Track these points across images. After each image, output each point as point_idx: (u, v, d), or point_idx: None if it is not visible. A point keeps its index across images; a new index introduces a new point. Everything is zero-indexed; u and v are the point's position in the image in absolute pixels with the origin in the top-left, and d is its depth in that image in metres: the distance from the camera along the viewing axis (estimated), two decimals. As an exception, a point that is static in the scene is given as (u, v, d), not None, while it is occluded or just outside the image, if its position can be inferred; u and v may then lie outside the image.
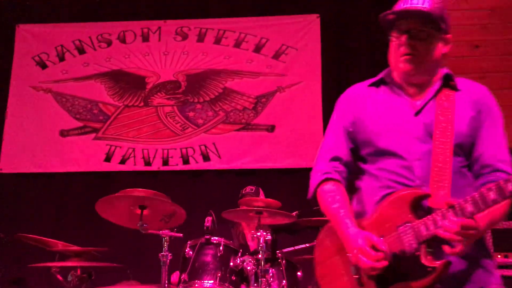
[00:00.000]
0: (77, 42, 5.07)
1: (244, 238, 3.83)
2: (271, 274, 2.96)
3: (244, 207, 3.23)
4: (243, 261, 2.98)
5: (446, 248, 1.52)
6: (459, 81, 1.77)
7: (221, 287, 2.90)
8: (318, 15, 4.92)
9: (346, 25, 4.92)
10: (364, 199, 1.78)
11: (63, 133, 4.87)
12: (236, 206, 3.38)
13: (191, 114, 4.87)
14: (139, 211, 2.95)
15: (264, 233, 2.96)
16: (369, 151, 1.78)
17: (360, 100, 1.84)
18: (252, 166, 4.71)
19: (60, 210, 4.67)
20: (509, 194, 1.45)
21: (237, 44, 4.98)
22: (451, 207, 1.51)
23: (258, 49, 4.96)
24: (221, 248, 3.02)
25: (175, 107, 4.89)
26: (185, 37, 5.03)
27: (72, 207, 4.65)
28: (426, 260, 1.54)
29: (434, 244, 1.55)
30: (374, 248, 1.59)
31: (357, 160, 1.84)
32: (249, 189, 3.82)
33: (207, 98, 4.89)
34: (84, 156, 4.80)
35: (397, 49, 1.73)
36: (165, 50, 5.00)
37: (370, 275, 1.62)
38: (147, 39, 5.04)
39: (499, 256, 3.26)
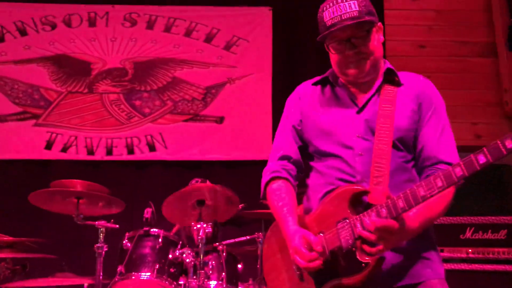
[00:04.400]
0: (18, 23, 4.83)
1: (190, 231, 3.77)
2: (210, 266, 2.93)
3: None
4: (182, 253, 2.93)
5: (365, 247, 1.52)
6: (402, 75, 1.78)
7: (159, 279, 2.85)
8: (270, 8, 4.91)
9: (297, 19, 4.93)
10: (310, 196, 1.80)
11: (1, 118, 4.63)
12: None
13: (137, 102, 4.74)
14: (75, 201, 2.88)
15: (204, 225, 2.92)
16: (314, 150, 1.80)
17: (307, 98, 1.85)
18: (199, 157, 4.65)
19: (-7, 198, 4.46)
20: (437, 190, 1.42)
21: (188, 33, 4.89)
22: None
23: (209, 39, 4.89)
24: (160, 240, 2.96)
25: (121, 95, 4.75)
26: (134, 23, 4.89)
27: (8, 195, 4.43)
28: (360, 256, 1.55)
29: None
30: (310, 247, 1.58)
31: (306, 157, 1.85)
32: (194, 181, 3.70)
33: (155, 87, 4.78)
34: (23, 143, 4.59)
35: (342, 58, 1.72)
36: (112, 36, 4.84)
37: (309, 271, 1.63)
38: (94, 24, 4.86)
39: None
